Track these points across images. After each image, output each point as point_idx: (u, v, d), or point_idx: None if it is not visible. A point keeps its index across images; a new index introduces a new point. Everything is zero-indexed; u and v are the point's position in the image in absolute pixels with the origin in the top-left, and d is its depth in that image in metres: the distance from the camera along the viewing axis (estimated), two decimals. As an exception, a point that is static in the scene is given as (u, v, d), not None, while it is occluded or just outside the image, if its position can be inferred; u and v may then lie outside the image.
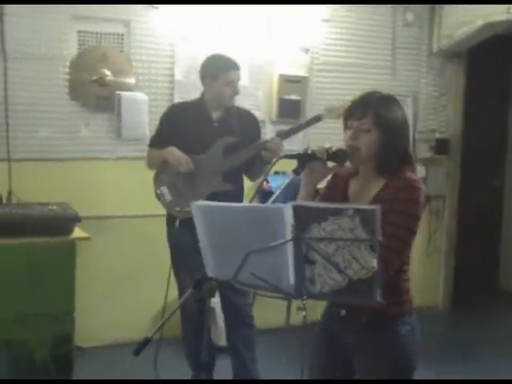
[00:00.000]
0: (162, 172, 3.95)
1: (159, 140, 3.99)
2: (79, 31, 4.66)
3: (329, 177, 2.60)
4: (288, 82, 5.23)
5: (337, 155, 2.44)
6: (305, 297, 2.09)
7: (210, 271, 2.30)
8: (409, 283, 2.51)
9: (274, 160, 3.64)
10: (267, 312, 4.25)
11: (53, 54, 4.56)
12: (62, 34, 4.59)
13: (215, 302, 4.41)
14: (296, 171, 2.43)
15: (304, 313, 2.13)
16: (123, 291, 4.86)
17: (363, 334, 2.45)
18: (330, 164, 2.49)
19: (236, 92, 3.91)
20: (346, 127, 2.48)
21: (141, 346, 2.29)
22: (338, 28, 5.41)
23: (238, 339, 4.04)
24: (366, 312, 2.39)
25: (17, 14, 4.41)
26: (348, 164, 2.50)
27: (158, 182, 3.97)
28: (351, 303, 2.23)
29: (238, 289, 2.33)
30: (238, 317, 4.02)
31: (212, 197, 3.61)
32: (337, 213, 2.03)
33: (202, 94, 3.97)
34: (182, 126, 3.91)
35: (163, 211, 3.98)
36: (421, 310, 2.53)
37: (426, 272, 5.90)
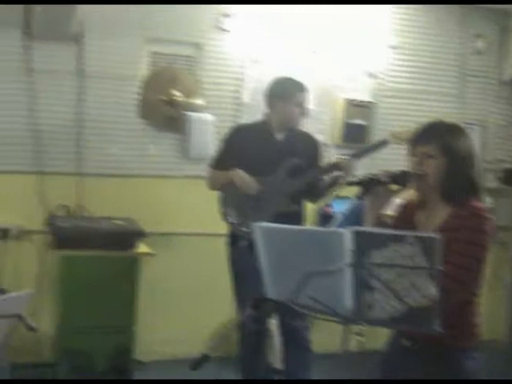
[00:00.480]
0: (228, 193, 4.01)
1: (222, 161, 4.05)
2: (152, 53, 4.80)
3: (397, 204, 2.61)
4: (354, 106, 5.25)
5: (400, 177, 2.45)
6: (362, 322, 2.10)
7: (269, 292, 2.33)
8: (477, 316, 2.46)
9: (340, 184, 3.67)
10: (324, 336, 4.24)
11: (126, 74, 4.70)
12: (135, 55, 4.74)
13: (273, 323, 4.42)
14: (359, 196, 2.45)
15: (361, 339, 2.13)
16: (185, 308, 4.93)
17: (426, 365, 2.43)
18: (394, 187, 2.50)
19: (304, 113, 3.96)
20: (411, 154, 2.49)
21: (198, 362, 2.33)
22: (405, 55, 5.40)
23: (293, 362, 4.04)
24: (429, 342, 2.37)
25: (95, 37, 4.58)
26: (412, 186, 2.50)
27: (223, 202, 4.03)
28: (409, 331, 2.23)
29: (295, 311, 2.35)
30: (295, 340, 4.02)
31: (277, 218, 3.65)
32: (397, 240, 2.04)
33: (267, 116, 4.03)
34: (245, 148, 3.96)
35: (226, 230, 4.03)
36: (483, 343, 2.49)
37: (489, 304, 5.76)
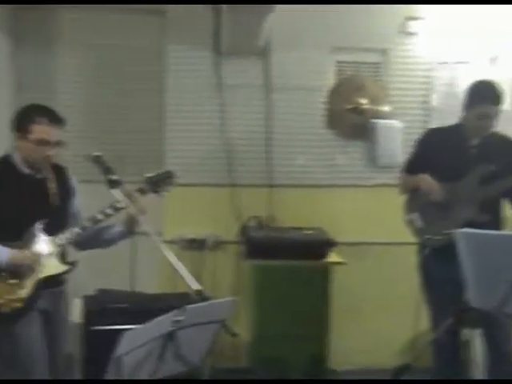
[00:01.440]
0: (414, 199, 3.90)
1: (413, 165, 3.95)
2: (338, 62, 4.82)
3: None
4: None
5: None
6: None
7: (473, 301, 2.22)
8: None
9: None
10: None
11: (312, 84, 4.76)
12: (321, 65, 4.78)
13: (471, 334, 4.22)
14: None
15: None
16: (377, 317, 4.85)
17: None
18: None
19: (490, 127, 3.74)
20: None
21: (400, 370, 2.27)
22: None
23: (496, 376, 3.82)
24: None
25: (281, 49, 4.68)
26: None
27: (408, 208, 3.93)
28: None
29: (499, 322, 2.22)
30: (498, 352, 3.80)
31: (467, 226, 3.48)
32: None
33: (463, 119, 3.86)
34: (437, 152, 3.83)
35: (414, 239, 3.92)
36: None
37: None
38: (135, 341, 2.22)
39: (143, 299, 4.08)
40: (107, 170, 2.99)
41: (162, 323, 2.27)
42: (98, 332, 3.83)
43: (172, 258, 2.71)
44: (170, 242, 4.40)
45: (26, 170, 3.10)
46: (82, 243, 3.24)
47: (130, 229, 3.20)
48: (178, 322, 2.28)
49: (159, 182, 3.19)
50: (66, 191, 3.23)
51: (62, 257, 3.13)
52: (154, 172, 3.20)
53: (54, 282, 3.12)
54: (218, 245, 4.74)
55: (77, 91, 4.87)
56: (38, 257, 3.02)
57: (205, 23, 4.66)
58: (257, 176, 4.75)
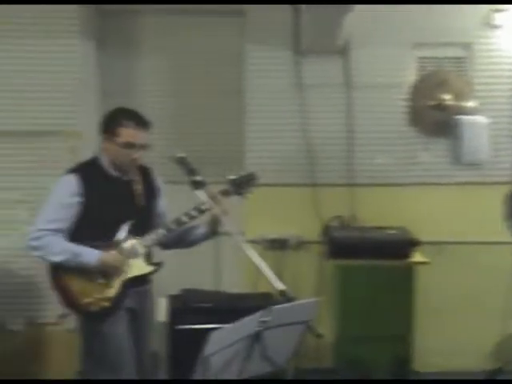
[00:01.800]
0: None
1: None
2: (419, 57, 4.73)
3: None
4: None
5: None
6: None
7: None
8: None
9: None
10: None
11: (393, 82, 4.68)
12: (402, 61, 4.70)
13: None
14: None
15: None
16: (461, 318, 4.73)
17: None
18: None
19: None
20: None
21: (493, 374, 2.21)
22: None
23: None
24: None
25: (361, 47, 4.63)
26: None
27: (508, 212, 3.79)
28: None
29: None
30: None
31: None
32: None
33: None
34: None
35: (505, 239, 3.80)
36: None
37: None
38: (223, 341, 2.24)
39: (227, 299, 4.11)
40: (191, 171, 3.03)
41: (248, 323, 2.28)
42: (182, 331, 3.89)
43: (255, 258, 2.72)
44: (252, 242, 4.40)
45: (114, 172, 3.18)
46: (167, 243, 3.30)
47: (214, 230, 3.23)
48: (264, 322, 2.28)
49: (242, 184, 3.21)
50: (151, 192, 3.29)
51: (148, 257, 3.19)
52: (237, 174, 3.22)
53: (139, 282, 3.19)
54: (300, 245, 4.73)
55: (160, 94, 4.96)
56: (125, 258, 3.09)
57: (284, 23, 4.65)
58: (338, 175, 4.72)
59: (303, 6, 4.32)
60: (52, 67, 4.52)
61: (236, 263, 4.44)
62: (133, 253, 3.11)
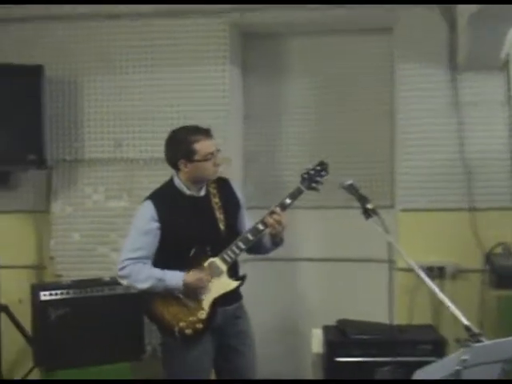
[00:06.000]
0: None
1: None
2: None
3: None
4: None
5: None
6: None
7: None
8: None
9: None
10: None
11: None
12: None
13: None
14: None
15: None
16: None
17: None
18: None
19: None
20: None
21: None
22: None
23: None
24: None
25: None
26: None
27: None
28: None
29: None
30: None
31: None
32: None
33: None
34: None
35: None
36: None
37: None
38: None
39: (388, 331, 3.90)
40: (362, 199, 2.90)
41: (450, 362, 2.11)
42: (340, 364, 3.71)
43: (436, 290, 2.54)
44: (406, 270, 4.18)
45: (188, 192, 3.15)
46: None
47: (276, 240, 3.16)
48: (464, 360, 2.10)
49: (314, 177, 3.12)
50: (230, 204, 3.23)
51: (232, 272, 3.13)
52: (305, 168, 3.15)
53: (229, 300, 3.14)
54: (458, 273, 4.43)
55: (306, 117, 4.85)
56: (209, 276, 3.05)
57: (436, 38, 4.42)
58: (500, 198, 4.39)
59: (460, 20, 4.09)
60: (203, 93, 4.55)
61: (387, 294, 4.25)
62: (215, 271, 3.05)
